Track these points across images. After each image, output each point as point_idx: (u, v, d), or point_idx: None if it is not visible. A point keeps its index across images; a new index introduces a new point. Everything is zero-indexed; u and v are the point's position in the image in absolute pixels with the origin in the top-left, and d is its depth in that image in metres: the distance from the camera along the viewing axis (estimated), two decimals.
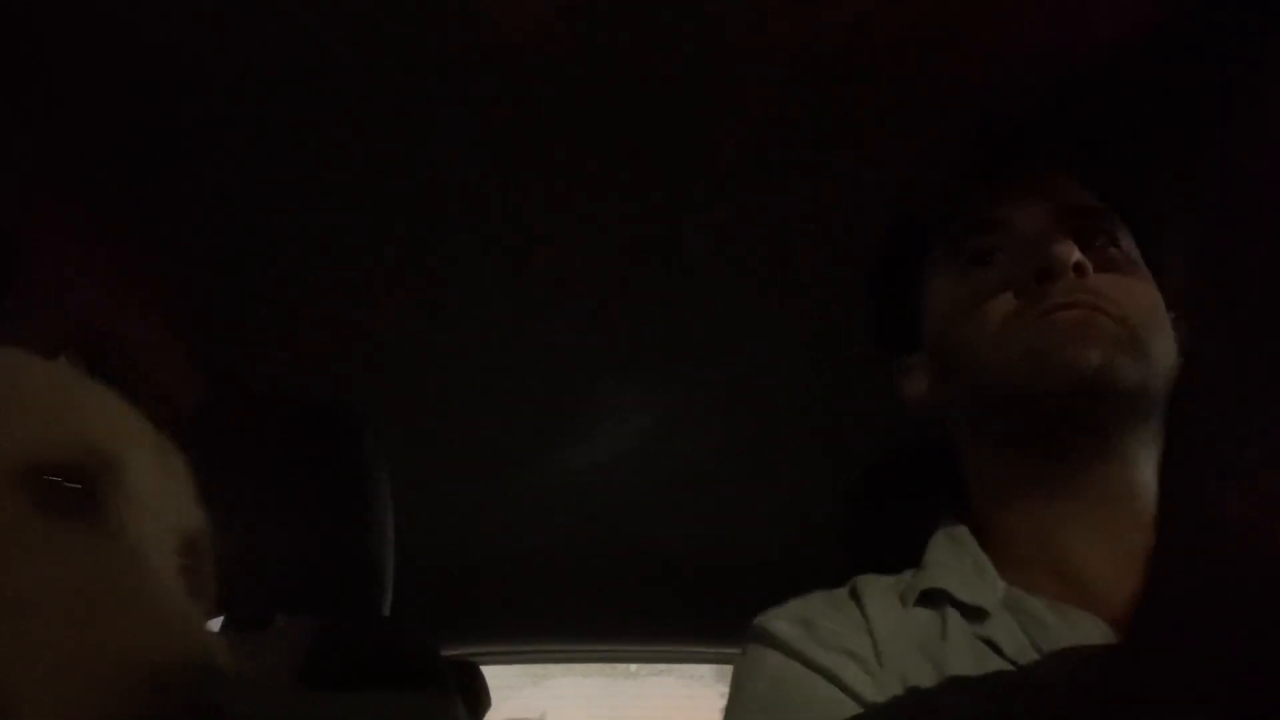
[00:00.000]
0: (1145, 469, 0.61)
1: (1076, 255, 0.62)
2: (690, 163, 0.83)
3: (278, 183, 0.85)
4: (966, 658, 0.57)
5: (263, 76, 0.73)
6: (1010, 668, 0.55)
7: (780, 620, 0.63)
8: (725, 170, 0.84)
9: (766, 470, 1.34)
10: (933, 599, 0.62)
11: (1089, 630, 0.55)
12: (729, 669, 0.67)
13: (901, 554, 0.68)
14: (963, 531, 0.67)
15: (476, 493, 1.44)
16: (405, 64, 0.72)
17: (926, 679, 0.57)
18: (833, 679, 0.57)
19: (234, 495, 0.88)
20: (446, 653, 1.72)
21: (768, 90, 0.75)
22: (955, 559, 0.65)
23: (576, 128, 0.79)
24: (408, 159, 0.82)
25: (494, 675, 1.62)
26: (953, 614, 0.60)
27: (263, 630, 0.89)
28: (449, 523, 1.51)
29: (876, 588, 0.65)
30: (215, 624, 0.91)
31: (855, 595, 0.65)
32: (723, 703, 0.63)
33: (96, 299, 0.90)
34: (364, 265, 0.97)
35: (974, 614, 0.60)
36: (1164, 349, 0.61)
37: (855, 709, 0.56)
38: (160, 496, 0.45)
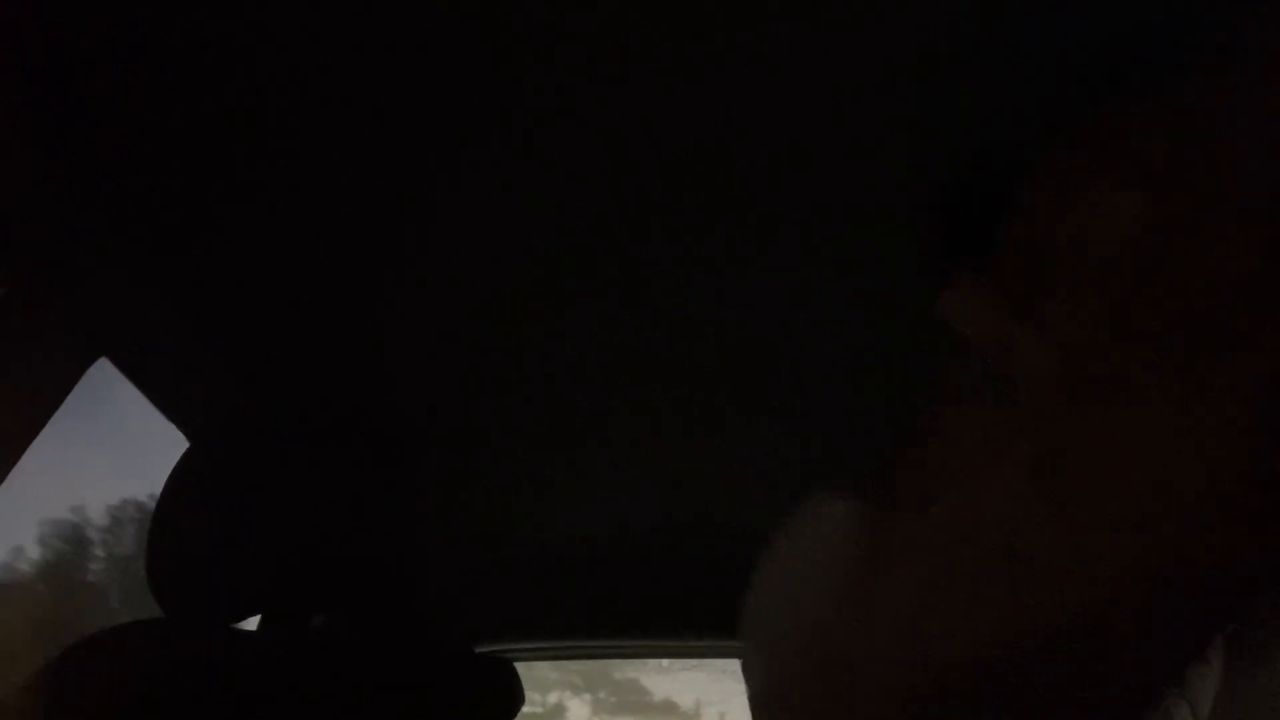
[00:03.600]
0: None
1: None
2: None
3: (287, 187, 0.85)
4: None
5: (296, 81, 0.73)
6: None
7: None
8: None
9: (806, 464, 1.33)
10: None
11: None
12: None
13: None
14: None
15: (507, 489, 1.44)
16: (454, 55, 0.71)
17: None
18: None
19: (273, 497, 0.89)
20: (479, 649, 1.73)
21: None
22: None
23: (623, 128, 0.76)
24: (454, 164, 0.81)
25: (526, 670, 1.63)
26: None
27: (300, 629, 0.90)
28: (481, 519, 1.52)
29: None
30: (254, 622, 0.93)
31: None
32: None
33: None
34: (391, 265, 0.97)
35: None
36: None
37: None
38: None
